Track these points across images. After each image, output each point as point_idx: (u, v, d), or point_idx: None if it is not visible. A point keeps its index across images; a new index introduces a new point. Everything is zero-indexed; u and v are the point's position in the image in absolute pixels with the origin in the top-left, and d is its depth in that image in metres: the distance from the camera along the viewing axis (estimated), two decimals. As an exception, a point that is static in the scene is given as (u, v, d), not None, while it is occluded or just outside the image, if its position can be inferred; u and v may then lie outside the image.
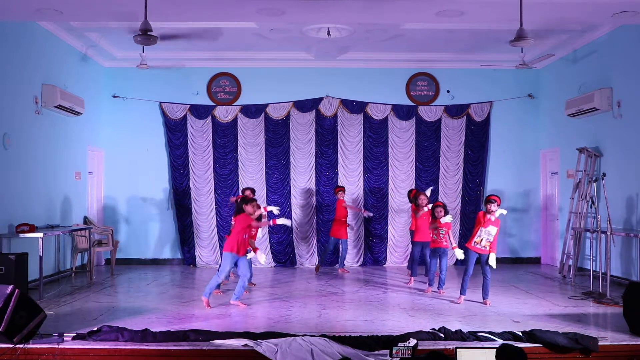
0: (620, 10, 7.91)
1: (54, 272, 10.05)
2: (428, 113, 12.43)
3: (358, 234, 12.34)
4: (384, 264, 12.28)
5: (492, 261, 7.97)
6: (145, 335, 5.91)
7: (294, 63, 12.21)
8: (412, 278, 9.88)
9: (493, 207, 7.88)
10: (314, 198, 12.31)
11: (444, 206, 8.96)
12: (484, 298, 8.08)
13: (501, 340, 5.78)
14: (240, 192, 11.35)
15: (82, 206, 11.33)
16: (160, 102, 12.29)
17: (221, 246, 11.04)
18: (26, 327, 5.72)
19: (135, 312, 7.46)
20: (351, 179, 12.41)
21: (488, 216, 7.87)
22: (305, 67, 12.29)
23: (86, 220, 11.20)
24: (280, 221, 8.29)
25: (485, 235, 7.95)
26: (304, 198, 12.33)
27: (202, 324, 6.66)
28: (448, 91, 12.47)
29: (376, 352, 5.59)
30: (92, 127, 11.77)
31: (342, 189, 11.26)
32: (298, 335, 5.81)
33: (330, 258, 11.86)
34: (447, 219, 8.77)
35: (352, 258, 12.26)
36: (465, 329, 6.15)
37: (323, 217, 12.25)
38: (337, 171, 12.40)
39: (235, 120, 12.33)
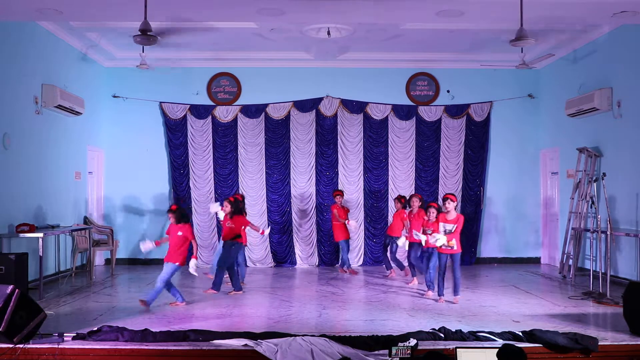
0: (620, 10, 7.91)
1: (54, 272, 10.05)
2: (428, 113, 12.44)
3: (358, 234, 12.35)
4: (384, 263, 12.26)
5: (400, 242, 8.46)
6: (145, 335, 5.91)
7: (294, 63, 12.20)
8: (414, 278, 9.87)
9: (449, 205, 8.05)
10: (314, 198, 12.31)
11: (439, 209, 8.89)
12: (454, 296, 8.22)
13: (501, 340, 5.78)
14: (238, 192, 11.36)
15: (82, 206, 11.33)
16: (160, 102, 12.29)
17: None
18: (26, 327, 5.72)
19: (135, 312, 7.45)
20: (351, 179, 12.41)
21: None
22: (305, 67, 12.28)
23: (86, 220, 11.19)
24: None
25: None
26: (304, 198, 12.33)
27: (202, 324, 6.66)
28: (448, 91, 12.47)
29: (376, 352, 5.59)
30: (92, 127, 11.77)
31: (340, 193, 11.30)
32: (298, 335, 5.81)
33: (330, 259, 11.91)
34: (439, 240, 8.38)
35: (352, 258, 12.26)
36: (465, 329, 6.15)
37: (323, 217, 12.26)
38: (337, 171, 12.40)
39: (235, 120, 12.33)
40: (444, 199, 8.24)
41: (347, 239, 11.19)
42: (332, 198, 11.89)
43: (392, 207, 12.29)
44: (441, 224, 8.08)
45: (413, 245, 9.54)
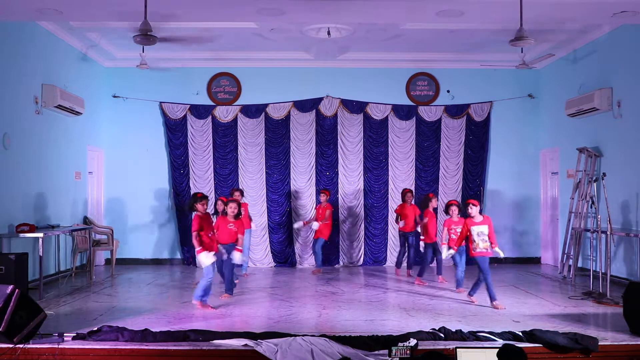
0: (620, 10, 7.91)
1: (54, 272, 10.05)
2: (428, 113, 12.44)
3: (358, 234, 12.35)
4: (384, 263, 12.28)
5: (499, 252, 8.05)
6: (145, 335, 5.91)
7: (294, 63, 12.20)
8: (418, 278, 9.88)
9: (473, 210, 8.03)
10: (314, 198, 12.30)
11: (459, 205, 8.99)
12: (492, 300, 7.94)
13: (501, 340, 5.77)
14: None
15: (82, 206, 11.33)
16: (160, 102, 12.29)
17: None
18: (26, 327, 5.71)
19: (135, 312, 7.45)
20: (351, 179, 12.41)
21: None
22: (305, 67, 12.29)
23: (86, 220, 11.20)
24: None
25: (481, 237, 7.94)
26: (304, 198, 12.33)
27: (202, 324, 6.66)
28: (448, 91, 12.47)
29: (376, 352, 5.59)
30: (92, 127, 11.77)
31: (324, 192, 11.32)
32: (298, 335, 5.81)
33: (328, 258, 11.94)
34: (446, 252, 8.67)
35: (352, 258, 12.27)
36: (465, 329, 6.15)
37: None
38: (337, 171, 12.40)
39: (235, 120, 12.33)
40: (465, 205, 8.29)
41: (319, 238, 11.12)
42: (332, 198, 11.92)
43: (392, 207, 12.29)
44: (473, 228, 7.97)
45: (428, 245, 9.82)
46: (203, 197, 7.83)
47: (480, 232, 7.95)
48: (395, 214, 10.99)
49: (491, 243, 7.96)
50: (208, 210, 8.02)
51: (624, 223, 9.48)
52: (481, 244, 7.92)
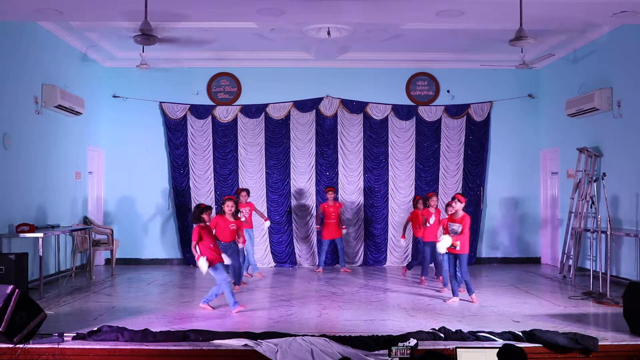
0: (620, 10, 7.92)
1: (54, 272, 10.05)
2: (428, 113, 12.43)
3: (358, 234, 12.35)
4: (384, 264, 12.28)
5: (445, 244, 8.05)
6: (145, 335, 5.91)
7: (294, 63, 12.20)
8: (423, 277, 9.88)
9: (456, 205, 8.13)
10: (314, 198, 12.30)
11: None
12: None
13: (501, 340, 5.78)
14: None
15: (82, 206, 11.33)
16: (160, 102, 12.29)
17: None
18: (26, 327, 5.72)
19: (135, 312, 7.46)
20: (351, 179, 12.41)
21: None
22: (305, 67, 12.29)
23: (86, 220, 11.19)
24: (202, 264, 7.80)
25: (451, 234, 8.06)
26: (304, 198, 12.33)
27: (202, 324, 6.66)
28: (448, 91, 12.47)
29: (376, 352, 5.60)
30: (92, 127, 11.76)
31: (332, 189, 11.39)
32: (298, 335, 5.81)
33: (330, 258, 11.93)
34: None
35: (352, 258, 12.27)
36: (465, 329, 6.15)
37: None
38: (337, 171, 12.40)
39: (235, 120, 12.33)
40: (452, 199, 8.34)
41: (334, 238, 11.20)
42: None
43: (392, 207, 12.32)
44: (449, 224, 8.15)
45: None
46: (208, 208, 7.79)
47: (454, 230, 8.07)
48: (407, 222, 10.70)
49: (456, 239, 8.03)
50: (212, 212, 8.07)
51: (624, 223, 9.48)
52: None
